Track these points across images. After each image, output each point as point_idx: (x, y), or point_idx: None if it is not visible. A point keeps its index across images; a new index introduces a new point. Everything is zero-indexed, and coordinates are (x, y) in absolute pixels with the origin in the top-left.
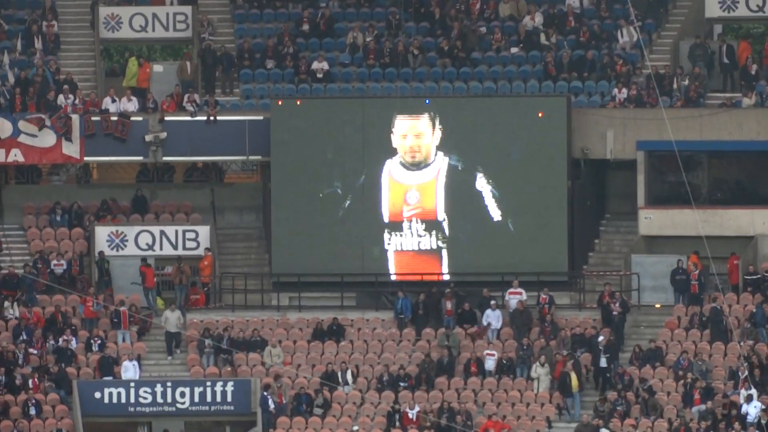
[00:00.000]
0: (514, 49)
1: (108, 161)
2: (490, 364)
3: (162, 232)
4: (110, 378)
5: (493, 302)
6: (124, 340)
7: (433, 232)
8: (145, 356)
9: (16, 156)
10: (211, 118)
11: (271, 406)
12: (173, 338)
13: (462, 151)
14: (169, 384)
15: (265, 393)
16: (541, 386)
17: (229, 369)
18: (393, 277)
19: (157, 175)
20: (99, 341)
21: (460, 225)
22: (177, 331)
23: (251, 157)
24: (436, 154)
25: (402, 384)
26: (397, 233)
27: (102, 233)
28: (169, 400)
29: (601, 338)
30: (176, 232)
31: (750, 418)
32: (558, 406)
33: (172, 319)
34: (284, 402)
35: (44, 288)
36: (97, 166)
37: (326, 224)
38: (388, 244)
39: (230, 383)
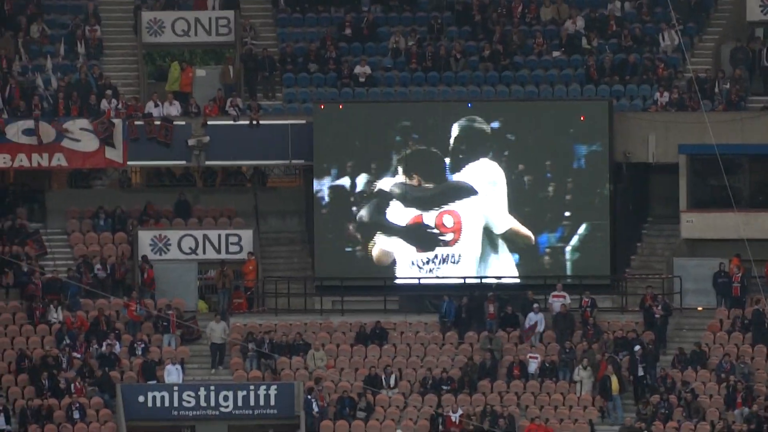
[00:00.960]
0: (555, 53)
1: (151, 165)
2: (533, 367)
3: (205, 236)
4: (154, 382)
5: (535, 305)
6: (170, 344)
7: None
8: (188, 360)
9: (59, 160)
10: (254, 122)
11: (315, 409)
12: (218, 350)
13: (504, 155)
14: (212, 388)
15: (309, 396)
16: (583, 389)
17: (270, 374)
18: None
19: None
20: (142, 345)
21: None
22: (222, 342)
23: (294, 162)
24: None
25: (445, 387)
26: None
27: (145, 237)
28: (212, 404)
29: (637, 348)
30: (219, 236)
31: None
32: (600, 408)
33: (217, 330)
34: (327, 405)
35: (88, 292)
36: (139, 170)
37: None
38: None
39: (273, 387)
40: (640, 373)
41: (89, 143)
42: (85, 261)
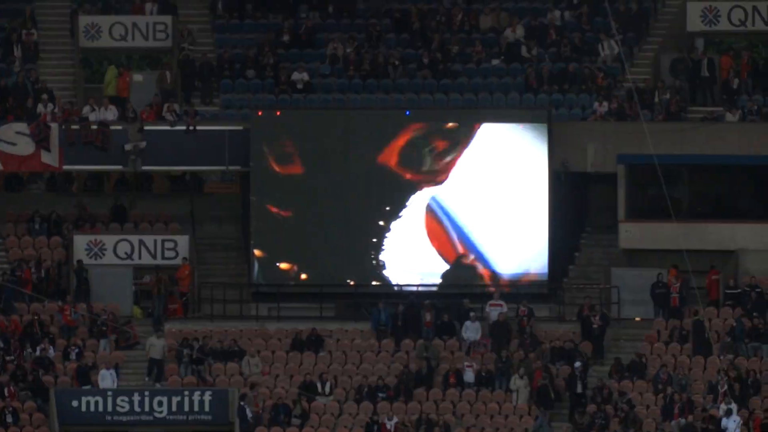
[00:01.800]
0: (495, 61)
1: (87, 170)
2: (469, 375)
3: (141, 242)
4: (88, 387)
5: (472, 314)
6: (104, 348)
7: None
8: (123, 365)
9: None
10: (191, 127)
11: (249, 416)
12: (156, 365)
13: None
14: (146, 393)
15: (242, 403)
16: (520, 398)
17: (201, 381)
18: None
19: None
20: (77, 350)
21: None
22: (161, 358)
23: (231, 168)
24: None
25: (380, 395)
26: None
27: (81, 242)
28: (146, 409)
29: (578, 364)
30: (155, 241)
31: None
32: (536, 418)
33: (158, 345)
34: (261, 412)
35: (22, 296)
36: (77, 176)
37: (305, 235)
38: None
39: (208, 393)
40: (579, 390)
41: (25, 147)
42: (20, 265)
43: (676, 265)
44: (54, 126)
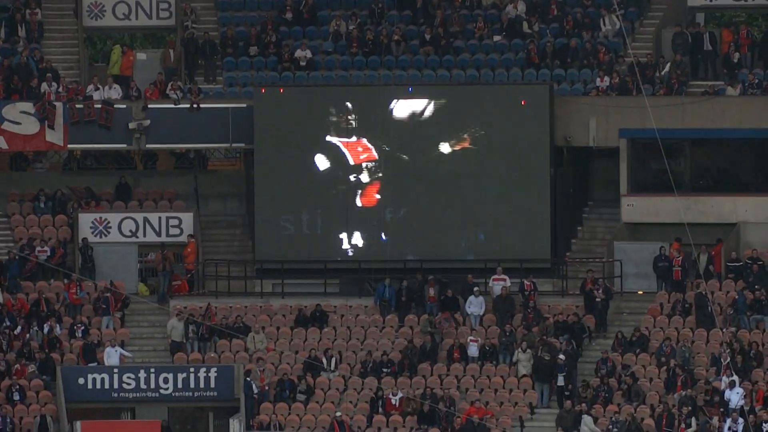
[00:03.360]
0: (496, 38)
1: (91, 149)
2: (473, 350)
3: (145, 219)
4: (94, 364)
5: (476, 289)
6: (108, 326)
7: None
8: (129, 342)
9: None
10: (195, 105)
11: (255, 391)
12: (178, 347)
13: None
14: (152, 370)
15: (248, 378)
16: (521, 372)
17: (213, 355)
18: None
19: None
20: (82, 327)
21: (444, 212)
22: (182, 341)
23: (234, 145)
24: None
25: (385, 370)
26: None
27: (86, 220)
28: (152, 386)
29: (561, 357)
30: (159, 219)
31: (732, 405)
32: (541, 392)
33: (179, 328)
34: (266, 387)
35: (29, 274)
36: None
37: (309, 211)
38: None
39: (213, 369)
40: (561, 382)
41: (30, 126)
42: (26, 244)
43: (679, 239)
44: (59, 105)
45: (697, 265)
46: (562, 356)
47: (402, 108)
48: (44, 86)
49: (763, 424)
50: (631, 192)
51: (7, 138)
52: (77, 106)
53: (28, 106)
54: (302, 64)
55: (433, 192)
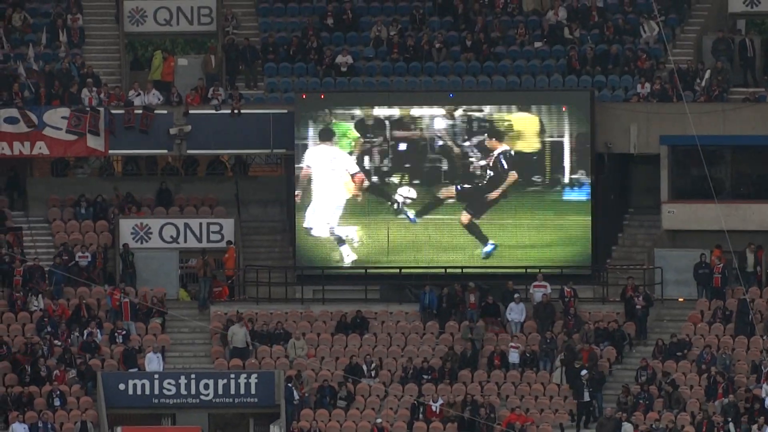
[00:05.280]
0: (537, 44)
1: (133, 154)
2: (513, 357)
3: (186, 225)
4: (134, 370)
5: (516, 295)
6: (147, 332)
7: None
8: (169, 348)
9: (41, 149)
10: (236, 111)
11: (296, 398)
12: (240, 354)
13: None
14: (193, 376)
15: (289, 385)
16: (560, 379)
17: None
18: (417, 270)
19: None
20: (123, 333)
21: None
22: (244, 347)
23: (275, 151)
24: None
25: (425, 377)
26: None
27: (126, 226)
28: (192, 392)
29: (584, 372)
30: (200, 224)
31: None
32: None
33: (239, 334)
34: (306, 394)
35: (69, 280)
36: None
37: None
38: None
39: (254, 375)
40: (586, 398)
41: (71, 132)
42: (66, 249)
43: (719, 246)
44: (100, 111)
45: (736, 271)
46: (584, 371)
47: (443, 114)
48: (85, 92)
49: None
50: (671, 199)
51: (49, 144)
52: (117, 111)
53: (68, 111)
54: (343, 69)
55: (474, 198)
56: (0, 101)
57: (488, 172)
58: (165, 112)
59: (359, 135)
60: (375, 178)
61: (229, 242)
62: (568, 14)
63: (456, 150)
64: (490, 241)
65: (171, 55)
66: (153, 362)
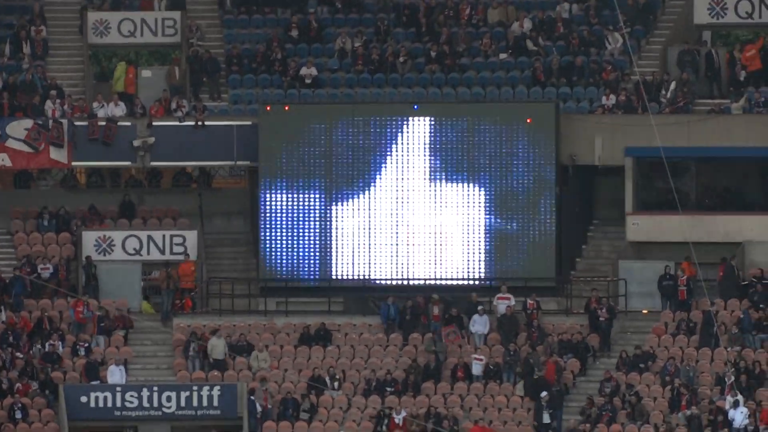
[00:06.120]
0: (502, 55)
1: (96, 166)
2: (477, 369)
3: (149, 237)
4: (96, 382)
5: (480, 307)
6: (110, 344)
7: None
8: (132, 360)
9: (3, 161)
10: (199, 123)
11: (258, 410)
12: (218, 366)
13: (450, 157)
14: (155, 388)
15: (252, 397)
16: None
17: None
18: (381, 283)
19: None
20: (85, 345)
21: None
22: (223, 359)
23: (239, 163)
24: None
25: (389, 389)
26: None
27: (89, 238)
28: (155, 404)
29: (543, 394)
30: (163, 237)
31: (736, 424)
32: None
33: (219, 346)
34: (269, 406)
35: (31, 292)
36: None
37: (314, 230)
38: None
39: (216, 387)
40: (546, 420)
41: (34, 143)
42: (28, 261)
43: (689, 257)
44: (63, 123)
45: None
46: (545, 393)
47: (407, 126)
48: (48, 104)
49: None
50: (636, 210)
51: (11, 155)
52: (80, 123)
53: (31, 123)
54: (307, 81)
55: (438, 210)
56: None
57: None
58: (128, 123)
59: None
60: None
61: (186, 255)
62: (533, 26)
63: None
64: None
65: (133, 65)
66: (115, 375)
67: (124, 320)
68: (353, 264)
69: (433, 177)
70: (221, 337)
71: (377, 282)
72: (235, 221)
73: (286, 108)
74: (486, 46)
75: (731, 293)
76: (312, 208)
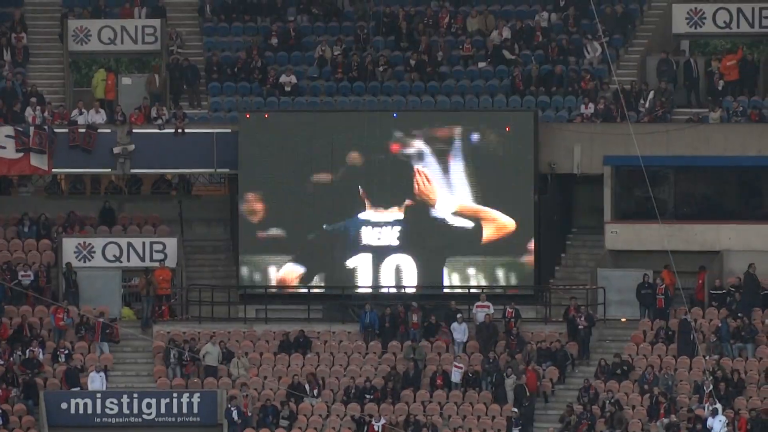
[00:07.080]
0: (481, 64)
1: (76, 173)
2: (456, 376)
3: (129, 244)
4: (77, 389)
5: (459, 315)
6: (92, 351)
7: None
8: (112, 367)
9: None
10: (179, 130)
11: (236, 417)
12: (212, 373)
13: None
14: (135, 395)
15: (230, 405)
16: (509, 398)
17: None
18: (360, 290)
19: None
20: (66, 352)
21: (428, 238)
22: (217, 365)
23: (219, 170)
24: None
25: (368, 396)
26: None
27: (69, 245)
28: (135, 411)
29: (514, 410)
30: (143, 243)
31: None
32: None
33: (213, 353)
34: (249, 413)
35: (11, 298)
36: (65, 177)
37: (293, 237)
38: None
39: (196, 395)
40: None
41: (14, 150)
42: (9, 267)
43: (668, 266)
44: (43, 130)
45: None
46: (515, 409)
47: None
48: (29, 110)
49: None
50: (614, 219)
51: None
52: (61, 130)
53: (11, 130)
54: (287, 89)
55: (416, 218)
56: None
57: None
58: (108, 130)
59: None
60: None
61: (161, 262)
62: (512, 34)
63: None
64: None
65: (112, 72)
66: (96, 381)
67: (111, 334)
68: (333, 272)
69: (411, 185)
70: (216, 344)
71: (356, 290)
72: (215, 228)
73: (266, 116)
74: (465, 55)
75: (754, 303)
76: (291, 215)
